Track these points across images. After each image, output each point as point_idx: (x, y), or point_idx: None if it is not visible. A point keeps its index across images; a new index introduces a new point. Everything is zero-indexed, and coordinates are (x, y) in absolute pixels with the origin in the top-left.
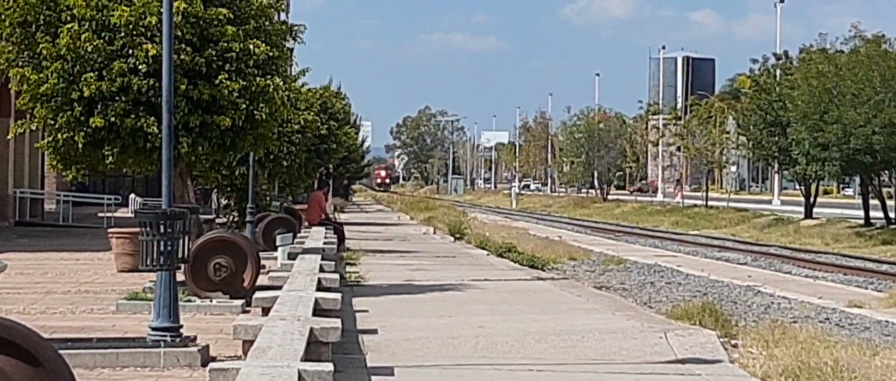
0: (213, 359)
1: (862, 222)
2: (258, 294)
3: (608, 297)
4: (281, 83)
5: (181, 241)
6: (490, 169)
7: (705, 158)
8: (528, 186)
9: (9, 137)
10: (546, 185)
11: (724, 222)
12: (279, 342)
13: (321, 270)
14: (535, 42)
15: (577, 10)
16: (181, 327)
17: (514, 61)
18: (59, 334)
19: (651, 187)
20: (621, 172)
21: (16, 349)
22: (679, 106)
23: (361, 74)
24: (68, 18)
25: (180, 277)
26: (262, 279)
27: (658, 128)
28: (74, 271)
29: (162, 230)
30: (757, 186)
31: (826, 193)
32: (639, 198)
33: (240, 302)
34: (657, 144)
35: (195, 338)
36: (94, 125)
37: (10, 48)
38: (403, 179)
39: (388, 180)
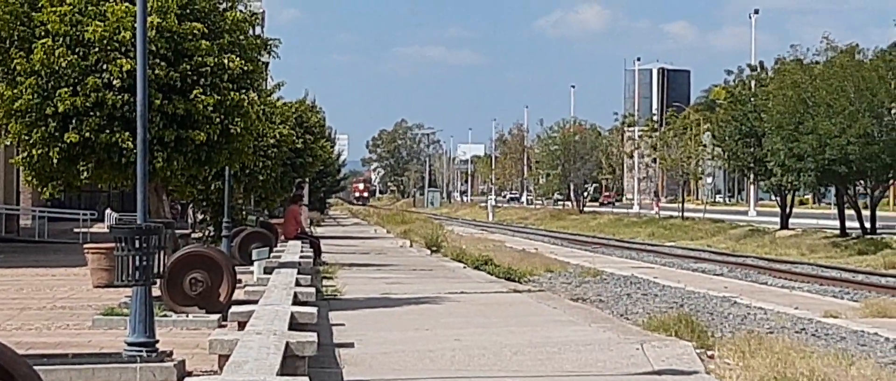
0: (190, 374)
1: (837, 232)
2: (234, 309)
3: (585, 309)
4: (256, 97)
5: (157, 256)
6: (466, 182)
7: (681, 170)
8: (517, 198)
9: None
10: (523, 197)
11: (700, 233)
12: (255, 356)
13: (297, 284)
14: (510, 55)
15: (552, 22)
16: (157, 342)
17: (490, 74)
18: (35, 350)
19: (607, 199)
20: (597, 184)
21: None
22: (655, 118)
23: (337, 87)
24: (42, 34)
25: (156, 292)
26: (239, 294)
27: (634, 140)
28: (50, 286)
29: (137, 245)
30: (731, 197)
31: (802, 203)
32: (614, 209)
33: (216, 317)
34: (632, 156)
35: (171, 353)
36: (68, 141)
37: None
38: (379, 192)
39: (366, 194)
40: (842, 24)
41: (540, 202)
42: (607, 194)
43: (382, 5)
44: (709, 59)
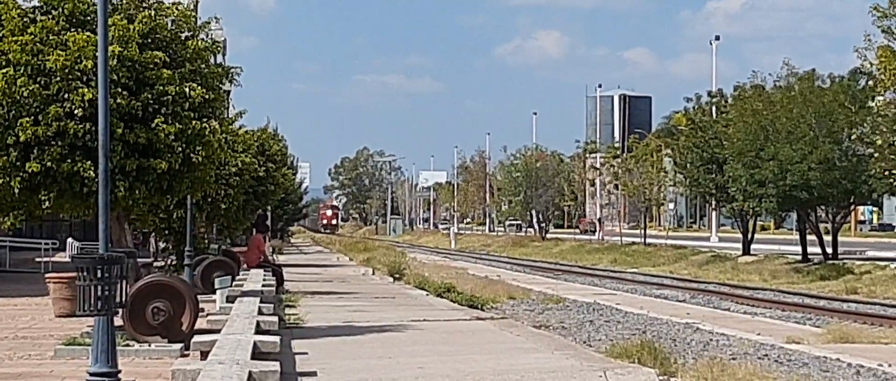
0: None
1: (799, 257)
2: (197, 338)
3: (548, 336)
4: (217, 126)
5: (119, 285)
6: (429, 209)
7: (643, 196)
8: (520, 226)
9: None
10: (485, 223)
11: (662, 259)
12: None
13: (260, 312)
14: (470, 82)
15: (511, 49)
16: (119, 372)
17: (451, 101)
18: None
19: (587, 227)
20: (560, 211)
21: None
22: (616, 144)
23: (299, 115)
24: (3, 63)
25: (118, 321)
26: (201, 323)
27: (596, 167)
28: (11, 316)
29: (99, 275)
30: (693, 224)
31: (763, 229)
32: (577, 237)
33: (178, 346)
34: (595, 183)
35: None
36: (30, 170)
37: None
38: (342, 219)
39: (335, 221)
40: (798, 51)
41: (502, 229)
42: (589, 221)
43: (340, 34)
44: (669, 85)
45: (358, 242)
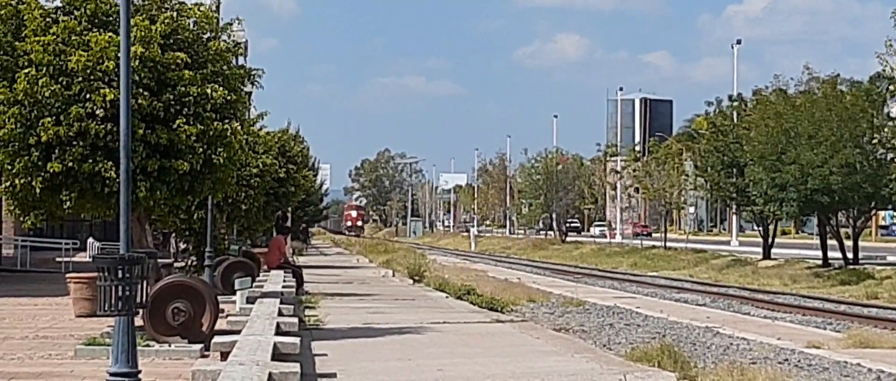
0: None
1: (820, 262)
2: (217, 339)
3: (567, 339)
4: (239, 127)
5: (139, 285)
6: (449, 211)
7: (663, 200)
8: (578, 229)
9: None
10: (505, 226)
11: (682, 263)
12: None
13: (280, 314)
14: (489, 85)
15: (531, 52)
16: (139, 372)
17: (470, 104)
18: (17, 380)
19: (642, 230)
20: (580, 215)
21: None
22: (637, 147)
23: (319, 117)
24: (25, 63)
25: (139, 321)
26: (221, 324)
27: (617, 170)
28: (32, 316)
29: (120, 275)
30: (714, 227)
31: (784, 233)
32: (597, 240)
33: (198, 347)
34: (615, 187)
35: None
36: (51, 170)
37: None
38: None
39: (360, 223)
40: (820, 54)
41: (521, 232)
42: (643, 225)
43: (359, 36)
44: (690, 89)
45: (378, 243)
